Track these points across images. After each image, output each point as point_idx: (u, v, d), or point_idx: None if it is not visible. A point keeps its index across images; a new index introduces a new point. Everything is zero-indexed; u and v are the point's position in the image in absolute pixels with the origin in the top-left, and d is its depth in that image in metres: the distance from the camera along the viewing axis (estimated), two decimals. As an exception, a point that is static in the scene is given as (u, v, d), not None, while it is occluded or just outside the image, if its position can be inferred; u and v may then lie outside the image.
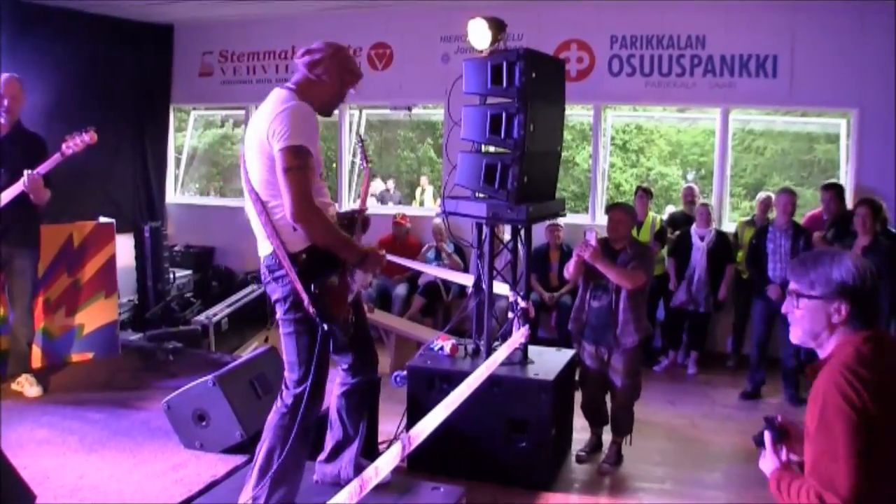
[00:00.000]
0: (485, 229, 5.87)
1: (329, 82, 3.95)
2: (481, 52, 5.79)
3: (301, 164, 3.52)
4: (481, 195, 5.82)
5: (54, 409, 5.64)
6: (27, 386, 5.98)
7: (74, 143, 5.63)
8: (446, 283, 9.37)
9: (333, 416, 4.25)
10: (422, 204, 15.11)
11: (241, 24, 11.05)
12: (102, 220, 7.17)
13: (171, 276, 9.61)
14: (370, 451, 4.30)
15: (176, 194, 12.19)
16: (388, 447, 5.81)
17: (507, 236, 6.63)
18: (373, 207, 12.60)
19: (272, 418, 3.80)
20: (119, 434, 5.15)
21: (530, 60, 5.49)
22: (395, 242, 9.70)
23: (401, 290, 9.58)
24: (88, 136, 5.70)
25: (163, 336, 7.11)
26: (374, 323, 8.89)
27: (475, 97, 5.85)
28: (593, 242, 5.74)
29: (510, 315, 5.96)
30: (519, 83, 5.45)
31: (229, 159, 15.99)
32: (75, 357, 6.73)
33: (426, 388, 5.68)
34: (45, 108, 6.34)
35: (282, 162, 3.52)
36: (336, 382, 4.20)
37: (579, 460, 6.02)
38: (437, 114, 12.06)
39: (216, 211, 11.92)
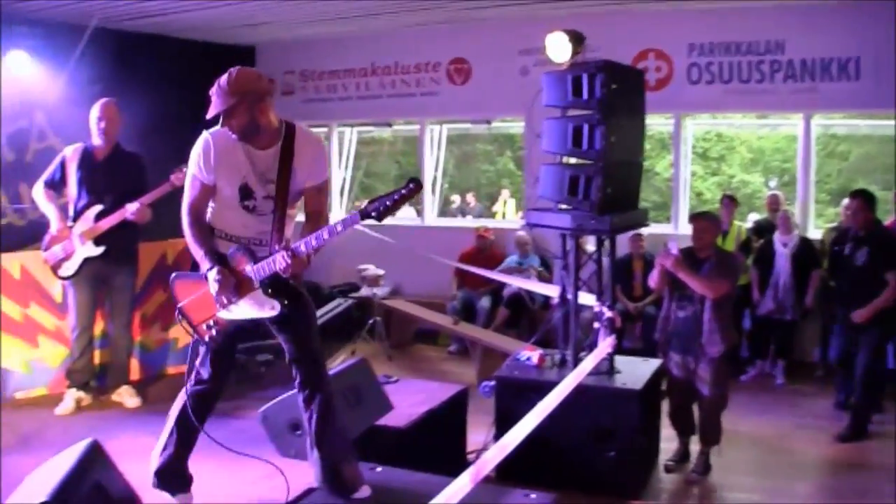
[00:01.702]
0: (568, 241, 5.93)
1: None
2: (560, 64, 5.85)
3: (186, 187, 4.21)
4: (564, 207, 5.88)
5: (154, 418, 5.83)
6: (126, 397, 6.22)
7: (183, 174, 5.83)
8: (531, 294, 9.42)
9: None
10: (504, 216, 15.19)
11: (322, 43, 11.25)
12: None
13: (259, 290, 9.79)
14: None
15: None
16: (476, 457, 5.94)
17: (590, 247, 6.66)
18: (453, 221, 12.74)
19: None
20: (216, 444, 5.30)
21: (610, 72, 5.53)
22: (479, 255, 9.79)
23: (485, 302, 9.65)
24: None
25: (254, 349, 7.28)
26: (459, 335, 9.01)
27: (555, 109, 5.90)
28: (674, 251, 5.75)
29: (595, 325, 5.99)
30: (599, 94, 5.49)
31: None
32: (171, 369, 6.98)
33: (514, 398, 5.73)
34: (140, 130, 6.58)
35: None
36: None
37: (667, 469, 6.01)
38: (515, 126, 12.13)
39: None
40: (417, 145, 11.31)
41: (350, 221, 3.77)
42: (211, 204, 4.22)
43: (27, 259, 6.52)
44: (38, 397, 6.50)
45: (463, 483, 3.55)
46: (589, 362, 5.40)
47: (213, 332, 4.21)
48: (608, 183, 5.55)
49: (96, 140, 6.06)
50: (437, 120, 11.17)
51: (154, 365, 6.89)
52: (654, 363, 6.14)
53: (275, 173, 4.09)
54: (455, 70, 10.58)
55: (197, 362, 4.45)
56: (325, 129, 12.06)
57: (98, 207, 5.90)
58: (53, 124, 9.06)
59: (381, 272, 9.79)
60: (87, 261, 5.89)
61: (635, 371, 5.89)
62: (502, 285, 9.56)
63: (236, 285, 4.04)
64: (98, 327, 6.50)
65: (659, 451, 6.22)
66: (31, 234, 7.99)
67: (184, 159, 6.27)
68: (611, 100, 5.49)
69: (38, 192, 6.09)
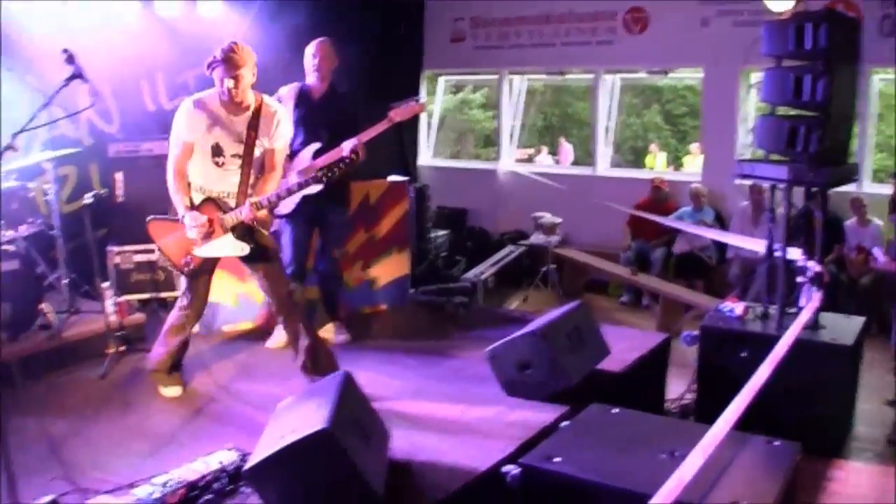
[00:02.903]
0: (779, 193, 5.85)
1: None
2: (778, 14, 5.74)
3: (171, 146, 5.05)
4: (776, 158, 5.80)
5: (367, 354, 6.03)
6: (336, 333, 6.41)
7: (403, 111, 5.95)
8: (707, 249, 9.35)
9: None
10: (652, 168, 15.05)
11: (494, -10, 11.22)
12: (393, 178, 7.53)
13: (434, 235, 9.96)
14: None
15: (427, 157, 12.58)
16: (676, 406, 5.97)
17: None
18: (626, 172, 12.59)
19: None
20: (437, 380, 5.50)
21: (834, 21, 5.40)
22: (654, 206, 9.70)
23: (658, 253, 9.59)
24: (418, 106, 6.03)
25: (448, 291, 7.44)
26: (638, 285, 9.01)
27: (771, 60, 5.79)
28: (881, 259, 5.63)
29: (799, 279, 5.91)
30: (824, 44, 5.36)
31: (466, 124, 16.38)
32: (369, 308, 7.17)
33: (718, 348, 5.73)
34: (301, 73, 6.68)
35: None
36: None
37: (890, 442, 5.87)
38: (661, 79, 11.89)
39: (468, 173, 12.28)
40: (591, 95, 11.24)
41: (305, 184, 5.06)
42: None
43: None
44: (244, 331, 6.75)
45: (721, 428, 3.58)
46: (805, 314, 5.34)
47: (190, 266, 5.13)
48: (827, 135, 5.44)
49: (311, 79, 6.15)
50: (611, 69, 11.04)
51: (354, 303, 7.06)
52: (857, 321, 6.01)
53: (243, 136, 5.00)
54: (632, 19, 10.42)
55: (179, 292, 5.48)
56: (494, 77, 12.10)
57: (315, 145, 6.01)
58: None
59: (557, 220, 9.83)
60: (303, 199, 6.05)
61: (841, 327, 5.79)
62: (674, 240, 9.50)
63: (208, 229, 4.96)
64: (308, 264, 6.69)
65: (855, 412, 6.10)
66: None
67: (380, 101, 6.44)
68: (834, 50, 5.36)
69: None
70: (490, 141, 17.95)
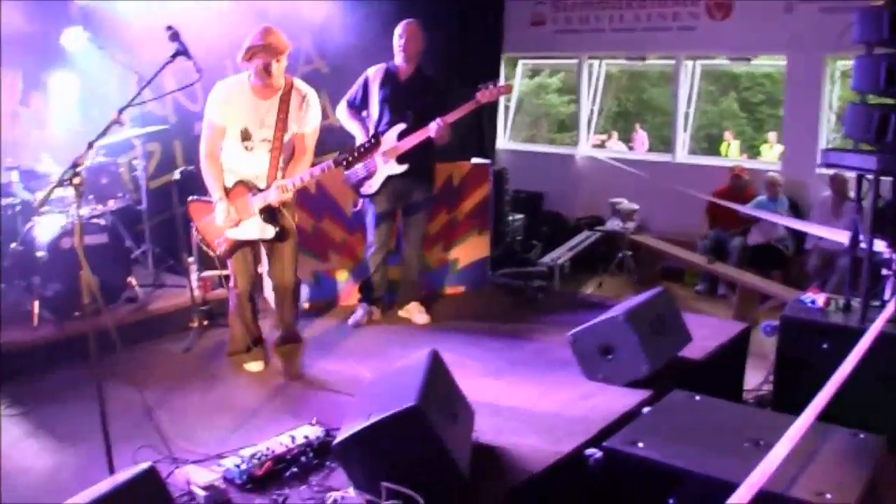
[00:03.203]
0: (865, 183, 5.76)
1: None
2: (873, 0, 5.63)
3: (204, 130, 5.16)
4: (865, 147, 5.71)
5: (447, 335, 6.09)
6: (416, 313, 6.49)
7: (490, 93, 5.98)
8: (784, 240, 9.26)
9: None
10: (726, 156, 14.90)
11: (576, -28, 11.18)
12: (476, 160, 7.57)
13: (511, 219, 9.98)
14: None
15: (504, 140, 12.59)
16: (753, 396, 5.95)
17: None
18: (704, 159, 12.46)
19: None
20: (518, 363, 5.55)
21: (929, 9, 5.30)
22: (732, 195, 9.60)
23: (736, 242, 9.50)
24: (505, 88, 6.06)
25: (522, 275, 7.48)
26: (716, 274, 8.95)
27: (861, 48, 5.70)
28: None
29: (884, 272, 5.83)
30: (920, 32, 5.27)
31: (542, 108, 16.35)
32: (449, 289, 7.24)
33: (798, 339, 5.68)
34: (382, 54, 6.72)
35: None
36: None
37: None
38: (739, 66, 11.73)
39: (545, 158, 12.27)
40: (672, 81, 11.16)
41: (325, 167, 5.06)
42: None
43: (323, 175, 6.83)
44: (324, 308, 6.85)
45: (806, 419, 3.57)
46: (891, 307, 5.27)
47: (223, 247, 5.24)
48: (920, 126, 5.34)
49: (398, 60, 6.20)
50: (692, 56, 10.94)
51: (434, 283, 7.14)
52: (944, 313, 5.91)
53: (272, 120, 5.04)
54: (715, 5, 10.30)
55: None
56: (572, 61, 12.07)
57: (401, 126, 6.06)
58: (319, 48, 9.36)
59: (634, 207, 9.80)
60: (388, 179, 6.13)
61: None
62: (750, 227, 9.42)
63: (238, 212, 5.09)
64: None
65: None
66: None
67: (460, 83, 6.45)
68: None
69: (342, 112, 6.33)
70: (564, 126, 17.90)
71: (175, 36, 4.47)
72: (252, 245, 5.38)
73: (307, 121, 5.16)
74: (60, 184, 4.06)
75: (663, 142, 16.31)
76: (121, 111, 4.21)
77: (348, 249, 6.92)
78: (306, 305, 6.82)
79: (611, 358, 4.96)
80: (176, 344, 5.96)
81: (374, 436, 3.55)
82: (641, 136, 17.02)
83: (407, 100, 6.12)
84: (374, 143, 5.25)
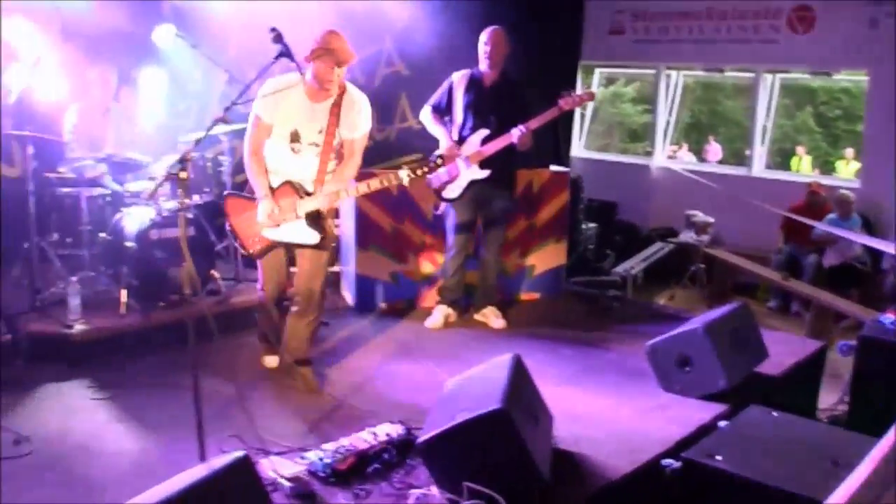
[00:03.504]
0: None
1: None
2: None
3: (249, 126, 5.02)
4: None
5: (523, 340, 6.17)
6: (493, 318, 6.57)
7: (572, 100, 6.05)
8: (861, 258, 9.16)
9: None
10: (798, 171, 14.75)
11: (656, -17, 11.20)
12: (555, 168, 7.64)
13: (585, 227, 10.01)
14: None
15: (579, 148, 12.62)
16: (827, 415, 5.92)
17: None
18: (780, 174, 12.36)
19: None
20: (593, 371, 5.63)
21: None
22: (808, 211, 9.52)
23: (811, 259, 9.43)
24: (587, 95, 6.12)
25: (596, 283, 7.52)
26: (791, 291, 8.88)
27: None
28: None
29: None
30: None
31: (616, 117, 16.33)
32: (524, 295, 7.32)
33: (875, 360, 5.64)
34: (461, 59, 6.80)
35: None
36: None
37: None
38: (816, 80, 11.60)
39: (618, 167, 12.27)
40: (750, 94, 11.09)
41: (386, 179, 4.96)
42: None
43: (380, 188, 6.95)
44: (401, 309, 6.98)
45: (889, 439, 3.58)
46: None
47: (258, 246, 5.13)
48: None
49: (482, 66, 6.27)
50: (772, 69, 10.87)
51: (510, 289, 7.22)
52: None
53: (323, 124, 4.94)
54: (798, 18, 10.22)
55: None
56: (649, 71, 12.05)
57: (484, 132, 6.15)
58: (400, 50, 9.49)
59: (710, 220, 9.77)
60: (470, 184, 6.22)
61: None
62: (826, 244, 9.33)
63: (281, 213, 4.95)
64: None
65: None
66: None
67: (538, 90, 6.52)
68: None
69: (426, 115, 6.41)
70: (636, 135, 17.85)
71: (279, 38, 4.56)
72: (287, 248, 5.27)
73: (358, 126, 5.07)
74: (168, 178, 4.21)
75: (734, 154, 16.22)
76: (226, 110, 4.38)
77: (427, 252, 7.05)
78: (383, 306, 6.96)
79: (688, 370, 4.99)
80: (254, 338, 6.00)
81: (459, 436, 3.63)
82: (715, 148, 16.92)
83: (491, 105, 6.21)
84: (440, 163, 5.19)
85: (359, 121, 5.07)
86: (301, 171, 5.01)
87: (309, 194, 4.99)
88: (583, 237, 9.78)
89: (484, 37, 6.26)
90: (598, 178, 11.56)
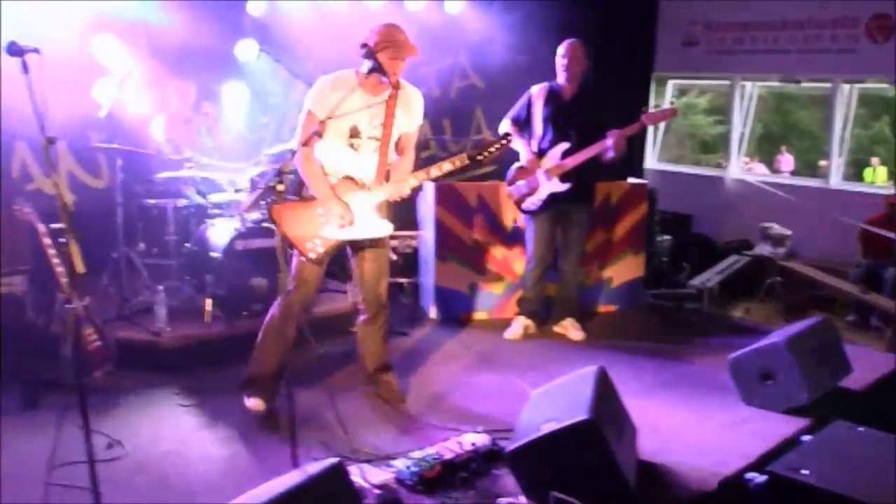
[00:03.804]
0: None
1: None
2: None
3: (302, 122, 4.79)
4: None
5: (602, 352, 6.23)
6: (572, 329, 6.63)
7: (654, 116, 6.11)
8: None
9: None
10: (872, 183, 14.54)
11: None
12: (633, 180, 7.68)
13: (660, 240, 9.99)
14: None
15: (652, 160, 12.61)
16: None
17: None
18: (858, 186, 12.21)
19: None
20: (674, 384, 5.67)
21: None
22: (888, 223, 9.40)
23: (891, 272, 9.29)
24: (670, 111, 6.18)
25: (674, 296, 7.53)
26: (872, 305, 8.78)
27: None
28: None
29: None
30: None
31: (688, 128, 16.24)
32: (602, 307, 7.37)
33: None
34: (535, 72, 6.85)
35: None
36: None
37: None
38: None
39: (691, 178, 12.22)
40: (826, 104, 10.98)
41: (450, 162, 4.81)
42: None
43: (485, 189, 7.08)
44: (479, 320, 7.09)
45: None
46: None
47: (320, 249, 4.81)
48: None
49: (560, 79, 6.33)
50: (850, 79, 10.76)
51: (589, 301, 7.28)
52: None
53: (381, 118, 4.83)
54: (877, 27, 10.09)
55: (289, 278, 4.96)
56: (722, 82, 11.99)
57: (564, 145, 6.21)
58: (475, 63, 9.58)
59: (787, 232, 9.70)
60: (550, 197, 6.29)
61: None
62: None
63: (347, 222, 4.77)
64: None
65: None
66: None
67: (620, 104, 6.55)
68: None
69: (505, 128, 6.46)
70: (708, 147, 17.73)
71: (370, 54, 4.63)
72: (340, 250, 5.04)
73: (414, 119, 4.99)
74: (266, 190, 4.34)
75: (808, 166, 16.03)
76: (321, 122, 4.51)
77: (506, 263, 7.14)
78: (463, 317, 7.05)
79: (770, 384, 5.01)
80: (337, 346, 6.20)
81: (548, 445, 3.72)
82: (787, 159, 16.75)
83: (570, 118, 6.27)
84: (506, 142, 4.90)
85: (417, 112, 5.01)
86: (361, 168, 4.86)
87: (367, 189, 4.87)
88: (657, 249, 9.76)
89: (561, 50, 6.31)
90: (672, 189, 11.49)
